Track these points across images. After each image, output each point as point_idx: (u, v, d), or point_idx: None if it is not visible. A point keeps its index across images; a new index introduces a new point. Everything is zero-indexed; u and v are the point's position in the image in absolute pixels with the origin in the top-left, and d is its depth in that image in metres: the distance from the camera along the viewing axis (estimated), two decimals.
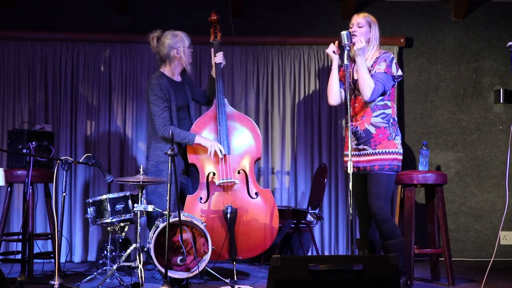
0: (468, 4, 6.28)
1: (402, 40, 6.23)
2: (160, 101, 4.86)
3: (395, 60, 4.42)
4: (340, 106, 6.09)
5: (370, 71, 4.37)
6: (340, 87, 4.50)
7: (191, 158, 4.94)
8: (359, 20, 4.42)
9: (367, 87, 4.29)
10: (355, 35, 4.36)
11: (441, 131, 6.35)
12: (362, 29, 4.40)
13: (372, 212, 4.39)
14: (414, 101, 6.33)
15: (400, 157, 4.42)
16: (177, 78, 5.07)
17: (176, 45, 4.95)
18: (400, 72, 4.41)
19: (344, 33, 4.27)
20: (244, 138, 5.03)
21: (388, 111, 4.38)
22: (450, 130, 6.35)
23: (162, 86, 4.89)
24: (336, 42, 4.44)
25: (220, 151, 4.85)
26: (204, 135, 4.96)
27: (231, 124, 5.01)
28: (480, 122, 6.35)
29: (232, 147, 4.96)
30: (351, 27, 4.42)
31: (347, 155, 4.47)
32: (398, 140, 4.41)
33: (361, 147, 4.41)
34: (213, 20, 5.17)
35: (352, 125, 4.43)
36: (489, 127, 6.35)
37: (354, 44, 4.34)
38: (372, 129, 4.37)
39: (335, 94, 4.50)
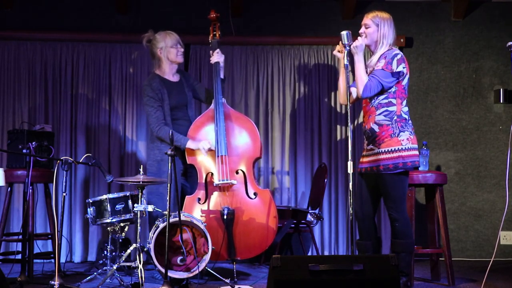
0: (468, 4, 6.28)
1: (402, 40, 6.23)
2: (152, 101, 4.90)
3: (398, 57, 4.32)
4: (340, 106, 6.13)
5: (373, 69, 4.37)
6: (352, 86, 4.50)
7: (190, 159, 4.94)
8: (367, 21, 4.42)
9: (360, 83, 4.30)
10: (364, 36, 4.38)
11: (441, 131, 6.35)
12: (369, 30, 4.40)
13: (387, 212, 4.40)
14: (414, 101, 6.33)
15: (406, 153, 4.28)
16: (173, 78, 5.07)
17: (159, 44, 5.00)
18: (401, 69, 4.30)
19: (344, 33, 4.27)
20: (242, 138, 5.02)
21: (392, 108, 4.31)
22: (450, 130, 6.35)
23: (153, 86, 4.92)
24: (341, 43, 4.42)
25: (213, 145, 4.86)
26: (202, 135, 4.96)
27: (229, 124, 5.01)
28: (480, 122, 6.35)
29: (230, 147, 4.96)
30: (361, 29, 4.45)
31: (363, 156, 4.48)
32: (403, 136, 4.29)
33: (369, 147, 4.41)
34: (212, 18, 5.17)
35: (363, 125, 4.48)
36: (489, 127, 6.35)
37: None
38: (376, 128, 4.34)
39: (342, 94, 4.48)
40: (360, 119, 5.95)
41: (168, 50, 4.99)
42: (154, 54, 5.04)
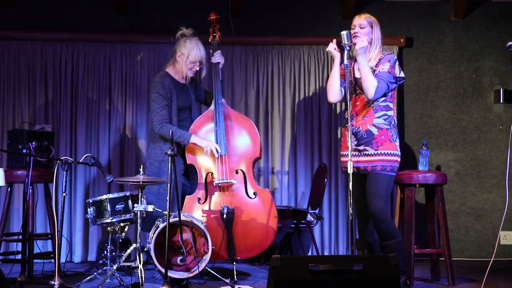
0: (468, 4, 6.28)
1: (402, 40, 6.24)
2: (160, 98, 4.88)
3: (397, 62, 4.43)
4: (340, 106, 6.14)
5: (374, 71, 4.36)
6: (341, 85, 4.50)
7: (190, 159, 4.94)
8: (361, 21, 4.41)
9: (371, 85, 4.28)
10: (358, 36, 4.36)
11: (441, 131, 6.35)
12: (364, 30, 4.40)
13: (371, 212, 4.38)
14: (414, 101, 6.33)
15: (399, 159, 4.46)
16: (181, 80, 5.07)
17: (183, 50, 4.94)
18: (402, 74, 4.43)
19: (344, 33, 4.27)
20: (241, 138, 5.03)
21: (390, 112, 4.38)
22: (450, 130, 6.35)
23: (164, 85, 4.90)
24: (335, 40, 4.43)
25: (217, 150, 4.85)
26: (202, 135, 4.96)
27: (228, 124, 5.01)
28: (480, 122, 6.35)
29: (230, 147, 4.96)
30: (353, 29, 4.41)
31: (344, 155, 4.49)
32: (397, 143, 4.44)
33: (361, 148, 4.40)
34: (212, 20, 5.17)
35: (352, 125, 4.42)
36: (489, 127, 6.35)
37: (355, 44, 4.33)
38: (375, 130, 4.35)
39: (335, 91, 4.50)
40: None
41: (186, 62, 4.95)
42: (174, 52, 5.00)
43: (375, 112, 4.36)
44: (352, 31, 4.39)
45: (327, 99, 4.60)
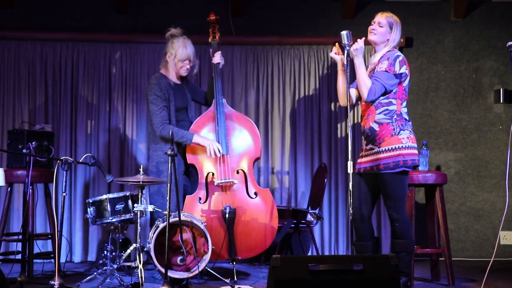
0: (468, 4, 6.28)
1: (402, 40, 6.17)
2: (159, 100, 4.88)
3: (400, 58, 4.31)
4: (340, 106, 6.14)
5: (375, 68, 4.36)
6: (351, 87, 4.46)
7: (190, 159, 4.94)
8: (381, 19, 4.39)
9: (364, 87, 4.27)
10: (375, 34, 4.36)
11: (441, 131, 6.35)
12: (382, 29, 4.37)
13: (387, 212, 4.39)
14: (414, 101, 6.33)
15: (407, 151, 4.26)
16: (176, 80, 5.07)
17: (171, 50, 4.96)
18: (404, 70, 4.31)
19: (344, 33, 4.25)
20: (242, 138, 5.03)
21: (392, 107, 4.29)
22: (450, 130, 6.35)
23: (161, 86, 4.90)
24: (337, 44, 4.40)
25: (219, 150, 4.85)
26: (203, 135, 4.96)
27: (229, 124, 5.01)
28: (480, 122, 6.35)
29: (230, 147, 4.96)
30: (372, 24, 4.40)
31: (361, 157, 4.46)
32: (403, 135, 4.28)
33: (369, 147, 4.38)
34: (212, 20, 5.18)
35: (361, 125, 4.45)
36: (489, 127, 6.35)
37: (369, 40, 4.33)
38: (376, 126, 4.32)
39: (342, 96, 4.46)
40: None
41: (174, 61, 4.96)
42: (165, 53, 5.01)
43: (376, 109, 4.33)
44: (370, 27, 4.38)
45: (339, 103, 4.59)
